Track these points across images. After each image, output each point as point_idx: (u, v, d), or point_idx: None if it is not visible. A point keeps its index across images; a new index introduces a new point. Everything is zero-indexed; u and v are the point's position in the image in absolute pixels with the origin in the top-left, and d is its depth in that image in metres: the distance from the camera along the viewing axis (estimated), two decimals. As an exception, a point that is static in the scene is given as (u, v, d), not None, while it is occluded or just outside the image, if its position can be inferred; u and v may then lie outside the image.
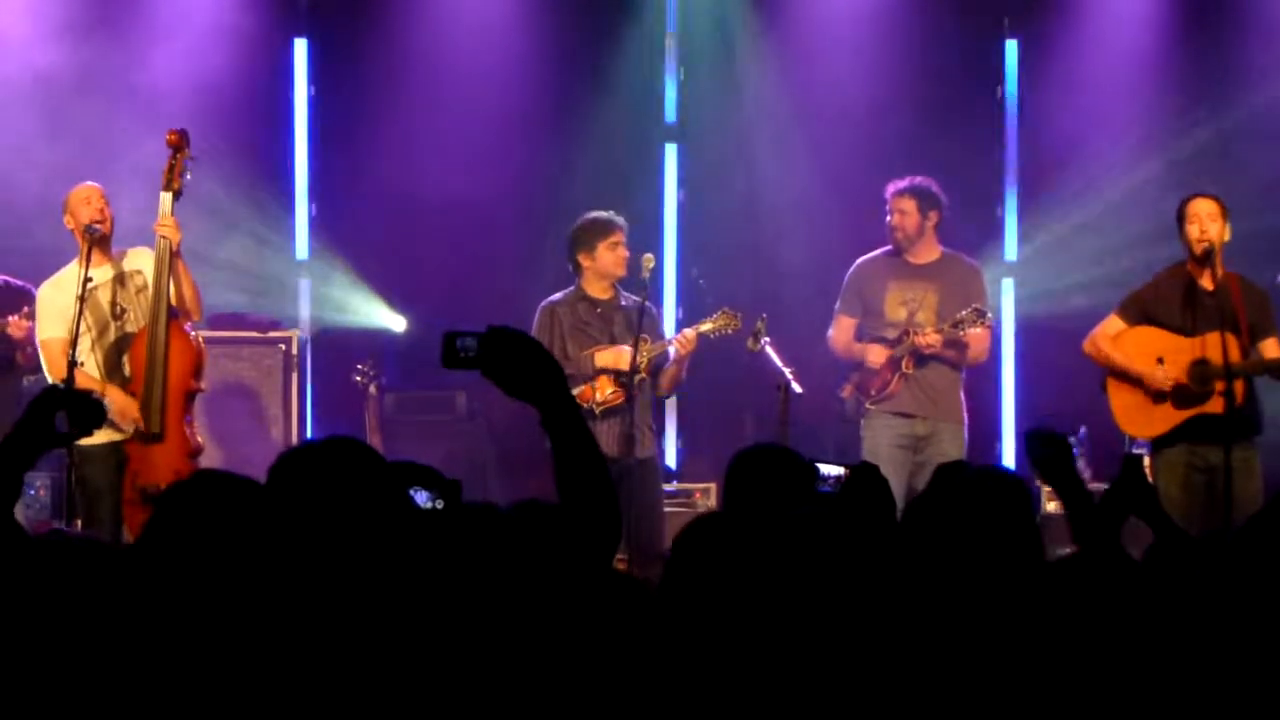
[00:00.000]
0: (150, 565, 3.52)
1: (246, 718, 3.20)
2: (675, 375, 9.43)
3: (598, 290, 9.41)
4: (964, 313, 9.40)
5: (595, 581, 3.45)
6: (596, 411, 9.22)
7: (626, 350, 9.26)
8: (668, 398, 9.72)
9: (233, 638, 3.26)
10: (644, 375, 9.31)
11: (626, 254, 9.38)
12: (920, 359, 9.49)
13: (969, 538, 3.99)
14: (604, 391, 9.28)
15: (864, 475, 4.92)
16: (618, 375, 9.27)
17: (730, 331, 9.34)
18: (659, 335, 9.50)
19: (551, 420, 3.65)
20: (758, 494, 4.98)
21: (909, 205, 9.64)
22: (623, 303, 9.44)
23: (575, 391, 9.15)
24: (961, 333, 9.43)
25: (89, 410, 4.30)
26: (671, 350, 9.32)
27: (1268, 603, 3.78)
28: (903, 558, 3.71)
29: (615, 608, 3.41)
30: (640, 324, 9.22)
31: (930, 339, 9.42)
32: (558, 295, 9.46)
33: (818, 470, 5.09)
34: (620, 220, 9.47)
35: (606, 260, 9.36)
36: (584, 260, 9.40)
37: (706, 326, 9.34)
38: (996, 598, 3.86)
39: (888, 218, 9.70)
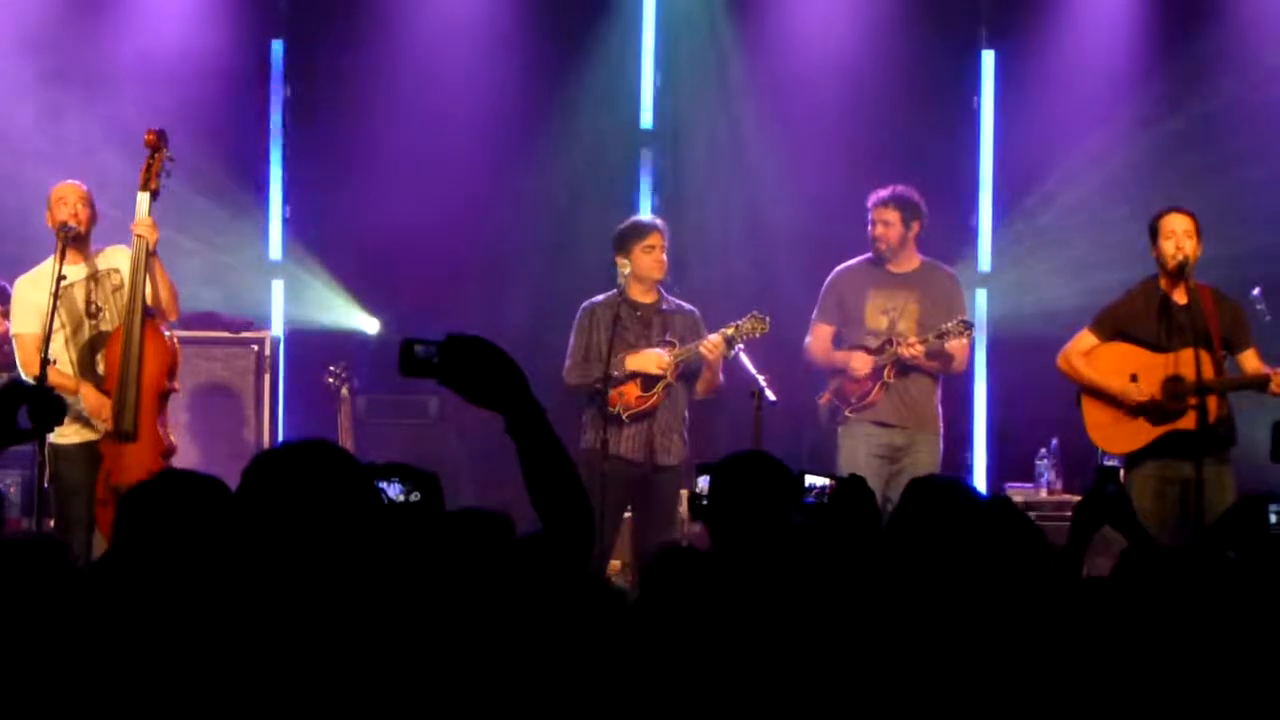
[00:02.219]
0: (114, 564, 3.51)
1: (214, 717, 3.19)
2: (710, 379, 9.48)
3: (638, 293, 9.44)
4: (949, 324, 9.42)
5: (569, 585, 3.45)
6: (625, 417, 9.24)
7: (656, 354, 9.30)
8: (704, 399, 9.73)
9: (198, 637, 3.25)
10: (671, 381, 9.36)
11: (664, 258, 9.42)
12: (902, 368, 9.50)
13: (966, 555, 4.00)
14: (631, 396, 9.30)
15: (851, 488, 4.92)
16: (646, 380, 9.31)
17: (758, 334, 9.34)
18: (699, 339, 9.52)
19: (516, 426, 3.64)
20: (744, 501, 4.97)
21: (893, 216, 9.64)
22: (664, 307, 9.46)
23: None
24: (945, 343, 9.45)
25: (50, 406, 4.29)
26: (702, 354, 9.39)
27: (1225, 609, 3.79)
28: (888, 570, 3.73)
29: (591, 615, 3.40)
30: (641, 329, 9.25)
31: (915, 349, 9.41)
32: (600, 297, 9.49)
33: (803, 481, 5.09)
34: (658, 223, 9.54)
35: (642, 263, 9.40)
36: (621, 263, 9.43)
37: (730, 331, 9.36)
38: (985, 611, 3.87)
39: (870, 228, 9.69)
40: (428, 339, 3.65)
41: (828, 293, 9.79)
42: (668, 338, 9.44)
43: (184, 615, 3.35)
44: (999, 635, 3.78)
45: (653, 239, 9.43)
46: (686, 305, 9.63)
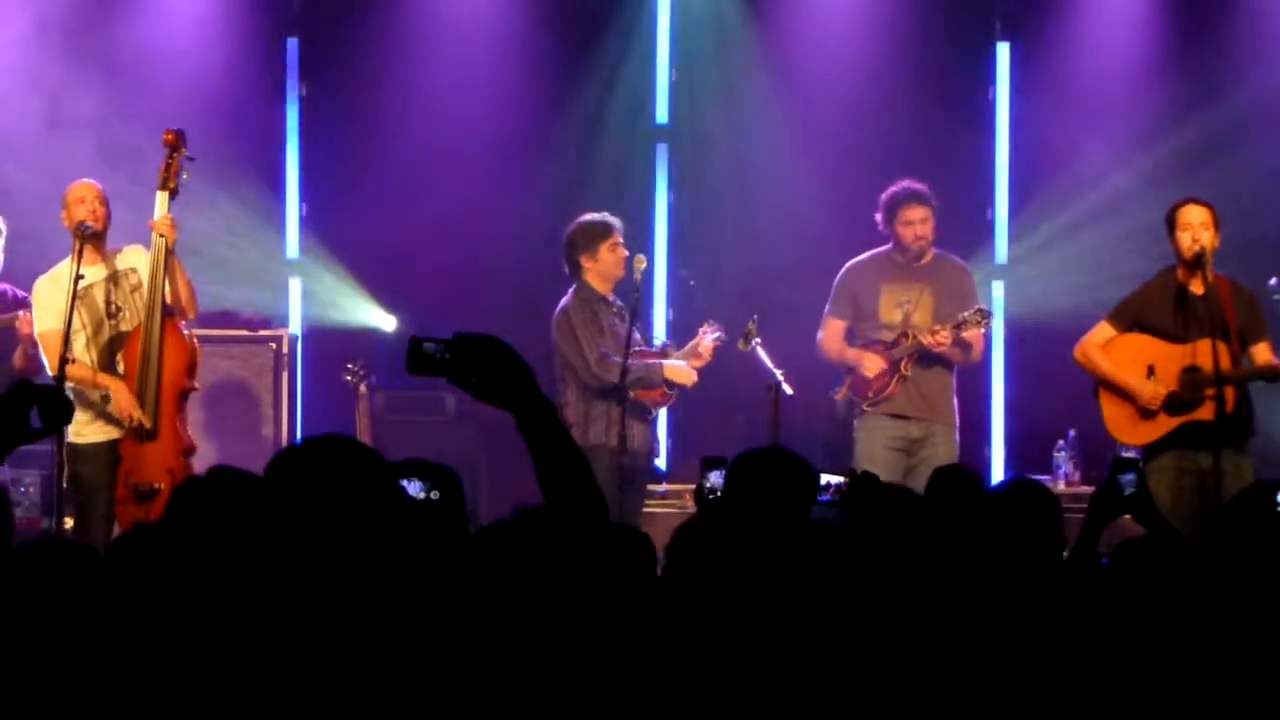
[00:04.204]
0: (163, 559, 3.52)
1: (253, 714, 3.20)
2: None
3: (604, 290, 9.48)
4: (967, 313, 9.42)
5: (588, 577, 3.45)
6: (651, 412, 9.46)
7: (682, 365, 9.47)
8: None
9: (241, 633, 3.26)
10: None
11: (626, 254, 9.45)
12: (920, 360, 9.49)
13: (989, 543, 4.00)
14: (658, 393, 9.45)
15: (864, 484, 4.92)
16: (669, 384, 9.43)
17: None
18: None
19: (527, 424, 3.65)
20: (761, 496, 4.97)
21: (925, 214, 9.59)
22: (620, 304, 9.51)
23: (633, 395, 9.22)
24: (962, 333, 9.44)
25: (59, 406, 4.31)
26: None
27: (1230, 597, 3.80)
28: (907, 564, 3.73)
29: (611, 606, 3.41)
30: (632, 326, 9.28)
31: (942, 337, 9.39)
32: (571, 297, 9.46)
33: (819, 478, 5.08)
34: (616, 220, 9.55)
35: (609, 261, 9.43)
36: (586, 262, 9.45)
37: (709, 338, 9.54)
38: (1009, 602, 3.88)
39: (901, 229, 9.59)
40: (437, 336, 3.65)
41: (840, 288, 9.77)
42: (666, 343, 9.66)
43: (211, 610, 3.36)
44: (1012, 623, 3.79)
45: (617, 236, 9.49)
46: None
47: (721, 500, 5.17)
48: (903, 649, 3.61)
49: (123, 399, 8.62)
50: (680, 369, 9.45)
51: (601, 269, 9.45)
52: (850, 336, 9.71)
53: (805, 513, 4.88)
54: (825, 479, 5.09)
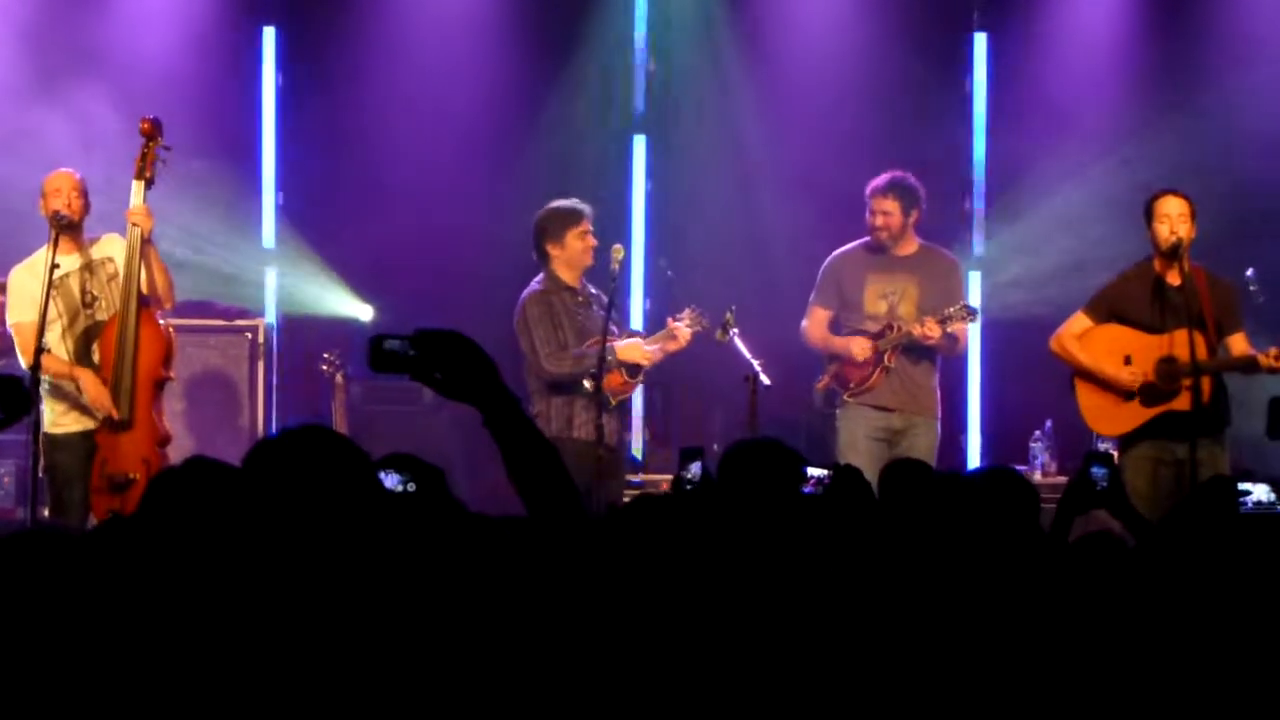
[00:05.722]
0: (138, 550, 3.51)
1: (234, 710, 3.19)
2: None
3: (571, 279, 9.36)
4: (952, 309, 9.41)
5: (565, 574, 3.45)
6: (612, 403, 9.23)
7: (638, 344, 9.33)
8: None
9: (217, 623, 3.25)
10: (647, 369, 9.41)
11: (595, 242, 9.34)
12: (906, 352, 9.49)
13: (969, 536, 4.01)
14: (617, 383, 9.25)
15: (847, 478, 4.92)
16: (630, 368, 9.27)
17: (702, 328, 9.42)
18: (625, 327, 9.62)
19: (493, 420, 3.64)
20: (750, 486, 4.96)
21: (892, 206, 9.59)
22: (592, 291, 9.43)
23: (588, 385, 9.11)
24: (947, 328, 9.44)
25: (18, 396, 4.29)
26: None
27: (1185, 593, 3.81)
28: (888, 556, 3.73)
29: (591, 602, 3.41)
30: (610, 315, 9.23)
31: (932, 329, 9.38)
32: (538, 286, 9.35)
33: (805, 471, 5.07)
34: (587, 208, 9.41)
35: (576, 249, 9.30)
36: (553, 250, 9.32)
37: (688, 322, 9.42)
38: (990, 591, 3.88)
39: (869, 217, 9.64)
40: (398, 334, 3.63)
41: (825, 277, 9.77)
42: (629, 327, 9.56)
43: (187, 601, 3.35)
44: (974, 615, 3.79)
45: (585, 224, 9.34)
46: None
47: (711, 489, 5.15)
48: (874, 642, 3.62)
49: (94, 390, 8.61)
50: (631, 346, 9.30)
51: (568, 257, 9.31)
52: (835, 326, 9.70)
53: (792, 502, 4.87)
54: (809, 472, 5.07)
